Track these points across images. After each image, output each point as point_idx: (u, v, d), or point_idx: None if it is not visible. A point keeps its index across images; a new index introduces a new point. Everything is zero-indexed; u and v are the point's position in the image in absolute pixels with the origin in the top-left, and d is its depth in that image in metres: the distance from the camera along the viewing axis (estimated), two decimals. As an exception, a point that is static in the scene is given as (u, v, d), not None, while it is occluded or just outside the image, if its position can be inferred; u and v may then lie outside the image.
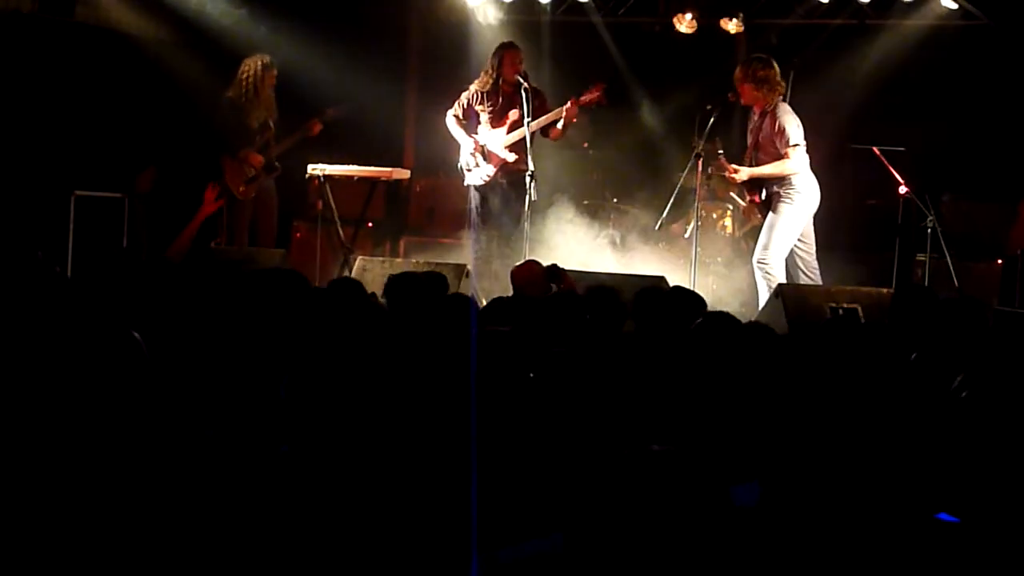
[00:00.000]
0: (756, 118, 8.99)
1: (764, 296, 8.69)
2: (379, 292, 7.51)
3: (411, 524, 3.11)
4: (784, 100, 9.04)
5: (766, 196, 8.98)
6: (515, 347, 3.98)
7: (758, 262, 8.85)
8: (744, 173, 8.99)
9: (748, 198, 9.46)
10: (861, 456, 3.40)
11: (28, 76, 10.09)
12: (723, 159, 9.24)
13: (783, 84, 8.98)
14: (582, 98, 9.43)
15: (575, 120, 9.61)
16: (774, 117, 8.83)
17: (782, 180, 8.80)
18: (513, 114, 9.36)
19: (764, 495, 3.10)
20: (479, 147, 9.45)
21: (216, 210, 9.32)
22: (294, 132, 9.85)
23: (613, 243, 10.84)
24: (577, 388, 4.04)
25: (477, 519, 3.05)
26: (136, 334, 3.43)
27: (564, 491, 3.22)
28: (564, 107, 9.42)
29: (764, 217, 9.09)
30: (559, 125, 9.43)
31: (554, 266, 7.16)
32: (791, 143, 8.71)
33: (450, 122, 9.69)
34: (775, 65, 8.99)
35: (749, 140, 9.15)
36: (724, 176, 9.48)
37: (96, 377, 3.33)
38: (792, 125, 8.77)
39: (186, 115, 10.86)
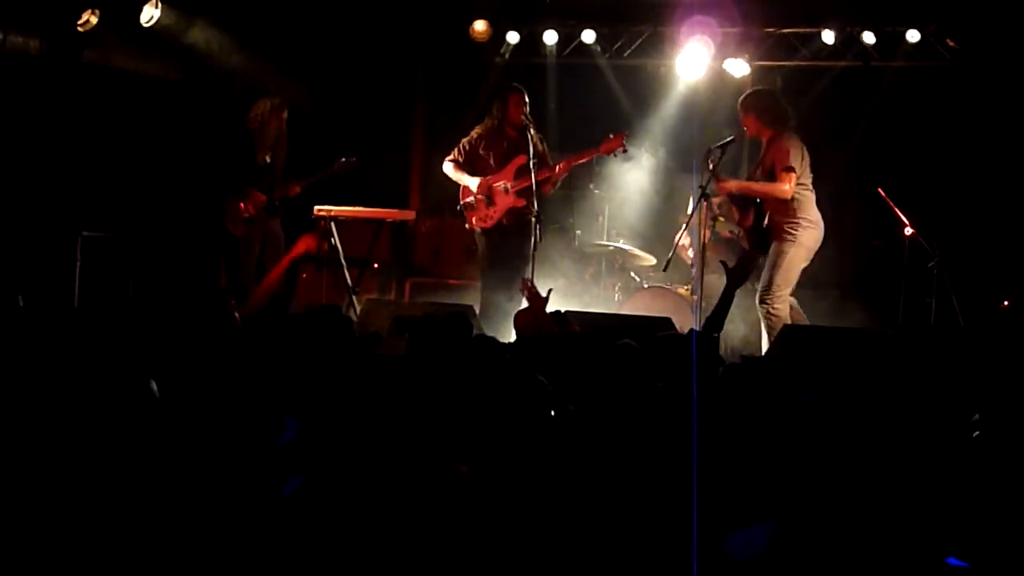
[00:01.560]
0: (764, 149, 8.96)
1: (767, 335, 8.66)
2: (385, 332, 7.53)
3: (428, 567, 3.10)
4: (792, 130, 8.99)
5: (766, 226, 8.87)
6: (544, 390, 3.97)
7: (761, 301, 8.78)
8: (733, 183, 8.96)
9: (738, 220, 9.34)
10: (871, 499, 3.39)
11: (36, 117, 10.13)
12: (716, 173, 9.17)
13: (787, 111, 8.96)
14: (602, 146, 9.46)
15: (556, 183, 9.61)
16: (776, 143, 8.78)
17: (785, 214, 8.73)
18: (519, 158, 9.35)
19: (773, 542, 3.08)
20: (485, 190, 9.43)
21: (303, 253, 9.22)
22: (306, 176, 9.82)
23: (618, 284, 10.84)
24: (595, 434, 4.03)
25: (491, 565, 3.04)
26: (152, 382, 3.43)
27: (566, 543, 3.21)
28: (583, 154, 9.48)
29: (753, 248, 9.01)
30: (552, 177, 9.44)
31: (557, 312, 7.15)
32: (784, 167, 8.63)
33: (448, 168, 9.65)
34: (777, 95, 8.99)
35: (755, 171, 9.11)
36: (732, 215, 9.50)
37: (107, 421, 3.33)
38: (791, 151, 8.68)
39: (192, 156, 10.88)
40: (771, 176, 8.74)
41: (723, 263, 6.78)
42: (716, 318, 6.30)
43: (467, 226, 9.66)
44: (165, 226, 10.86)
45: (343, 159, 9.78)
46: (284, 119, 9.71)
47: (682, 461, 3.47)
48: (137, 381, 3.39)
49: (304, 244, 8.34)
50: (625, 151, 9.67)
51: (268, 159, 9.67)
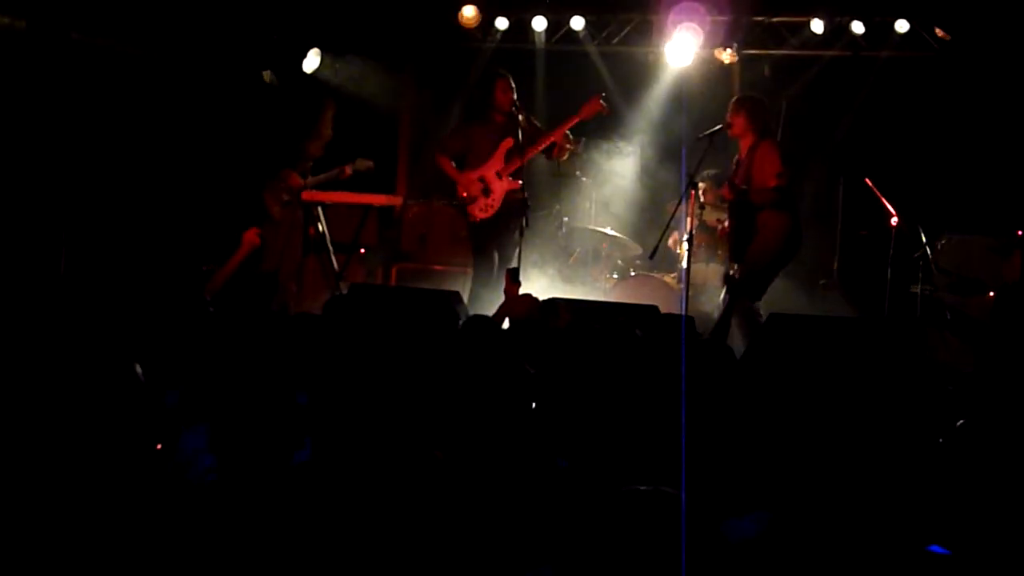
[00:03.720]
0: (744, 155, 9.01)
1: (741, 333, 8.65)
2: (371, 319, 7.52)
3: (414, 552, 3.10)
4: (776, 133, 9.08)
5: (748, 231, 8.92)
6: (528, 379, 3.97)
7: (743, 306, 8.79)
8: (736, 193, 8.99)
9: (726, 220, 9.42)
10: (856, 487, 3.40)
11: (29, 99, 10.06)
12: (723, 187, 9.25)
13: (775, 121, 9.05)
14: (582, 110, 9.36)
15: (570, 146, 9.54)
16: (763, 149, 8.84)
17: (774, 219, 8.78)
18: (508, 143, 9.32)
19: (764, 527, 3.10)
20: (479, 180, 9.35)
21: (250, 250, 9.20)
22: (327, 172, 9.87)
23: (606, 271, 10.84)
24: (575, 420, 4.03)
25: (474, 551, 3.04)
26: (138, 367, 3.41)
27: (557, 523, 3.21)
28: (566, 122, 9.39)
29: (733, 245, 9.09)
30: (557, 143, 9.39)
31: (550, 300, 7.16)
32: (779, 173, 8.72)
33: (441, 160, 9.60)
34: (766, 104, 9.06)
35: (737, 178, 9.16)
36: (718, 203, 9.55)
37: (92, 407, 3.31)
38: (781, 158, 8.78)
39: (186, 136, 10.83)
40: (756, 183, 8.80)
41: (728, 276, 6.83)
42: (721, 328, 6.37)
43: (470, 220, 9.56)
44: (161, 212, 10.79)
45: (362, 160, 9.88)
46: (332, 111, 9.84)
47: (671, 449, 3.48)
48: (122, 365, 3.38)
49: (248, 243, 8.47)
50: (606, 111, 9.56)
51: (314, 149, 9.76)
